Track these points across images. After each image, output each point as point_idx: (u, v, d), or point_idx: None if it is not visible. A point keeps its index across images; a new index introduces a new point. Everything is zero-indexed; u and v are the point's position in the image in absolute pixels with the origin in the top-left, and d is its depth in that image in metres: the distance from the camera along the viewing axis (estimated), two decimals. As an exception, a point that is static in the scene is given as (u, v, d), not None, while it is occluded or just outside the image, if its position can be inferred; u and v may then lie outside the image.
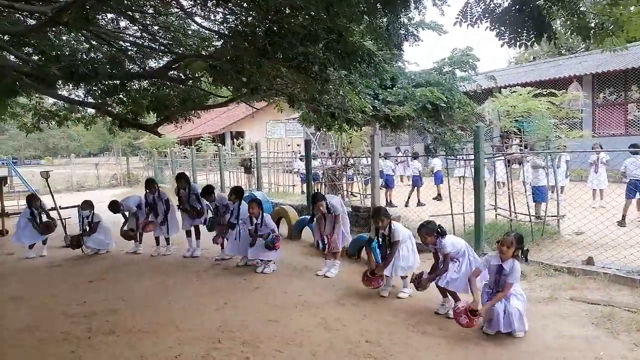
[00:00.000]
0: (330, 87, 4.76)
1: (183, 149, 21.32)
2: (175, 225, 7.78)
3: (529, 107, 6.75)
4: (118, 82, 7.11)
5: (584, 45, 31.08)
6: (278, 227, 8.97)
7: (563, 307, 4.78)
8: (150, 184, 7.81)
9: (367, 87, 6.05)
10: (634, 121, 16.82)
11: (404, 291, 5.34)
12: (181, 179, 7.63)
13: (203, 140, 19.72)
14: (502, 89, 8.38)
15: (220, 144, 18.23)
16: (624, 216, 8.04)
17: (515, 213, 7.31)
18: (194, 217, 7.46)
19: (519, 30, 3.43)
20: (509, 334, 4.11)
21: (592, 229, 6.86)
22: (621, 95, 17.14)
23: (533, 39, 3.42)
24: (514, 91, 7.22)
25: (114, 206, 7.61)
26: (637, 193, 8.12)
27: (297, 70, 4.17)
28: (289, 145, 19.75)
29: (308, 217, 7.72)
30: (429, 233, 4.68)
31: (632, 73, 16.18)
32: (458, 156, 6.79)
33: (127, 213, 7.77)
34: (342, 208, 6.31)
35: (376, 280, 5.28)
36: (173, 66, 6.28)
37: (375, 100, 6.13)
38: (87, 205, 7.92)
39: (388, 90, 6.43)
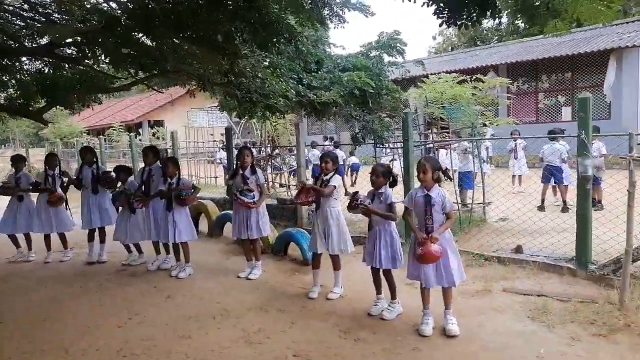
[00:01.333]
0: (247, 68, 4.17)
1: (91, 139, 19.49)
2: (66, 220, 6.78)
3: (455, 94, 6.60)
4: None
5: (496, 37, 32.74)
6: (197, 224, 8.28)
7: (497, 300, 4.60)
8: (51, 157, 6.78)
9: (290, 70, 5.51)
10: (543, 109, 17.78)
11: (334, 291, 4.92)
12: (87, 152, 6.67)
13: (115, 129, 18.11)
14: (426, 77, 8.26)
15: (135, 134, 16.83)
16: (542, 200, 8.24)
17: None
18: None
19: (460, 7, 3.06)
20: (444, 332, 3.84)
21: (516, 215, 6.91)
22: (532, 84, 18.04)
23: (475, 18, 3.07)
24: (440, 77, 7.05)
25: None
26: (552, 178, 8.36)
27: (194, 41, 3.53)
28: (211, 135, 18.73)
29: (230, 212, 7.08)
30: (385, 175, 4.24)
31: (542, 63, 17.04)
32: (385, 144, 6.48)
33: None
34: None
35: (303, 194, 4.82)
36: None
37: (299, 85, 5.60)
38: None
39: (313, 74, 5.93)
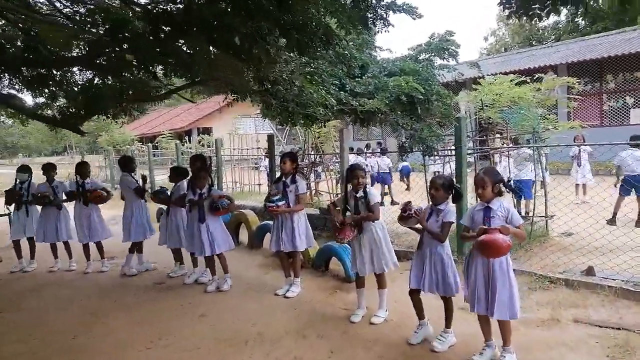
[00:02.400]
0: (283, 76, 3.84)
1: (142, 147, 19.96)
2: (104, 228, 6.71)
3: (515, 95, 5.99)
4: (41, 70, 6.00)
5: (553, 36, 31.04)
6: (237, 235, 8.06)
7: (567, 332, 3.99)
8: (83, 166, 6.69)
9: (331, 76, 5.12)
10: (608, 112, 16.47)
11: (379, 315, 4.46)
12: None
13: (164, 137, 18.43)
14: (478, 80, 7.62)
15: (180, 141, 17.03)
16: (614, 214, 7.39)
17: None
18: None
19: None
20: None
21: (582, 229, 6.16)
22: (596, 85, 16.76)
23: (550, 6, 2.55)
24: (497, 79, 6.45)
25: None
26: (634, 190, 7.44)
27: (219, 47, 3.22)
28: (257, 142, 18.71)
29: (271, 222, 6.78)
30: (446, 188, 3.73)
31: (606, 62, 15.79)
32: (434, 152, 5.96)
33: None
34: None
35: (347, 230, 4.33)
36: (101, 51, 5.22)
37: (341, 92, 5.20)
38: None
39: (357, 79, 5.52)
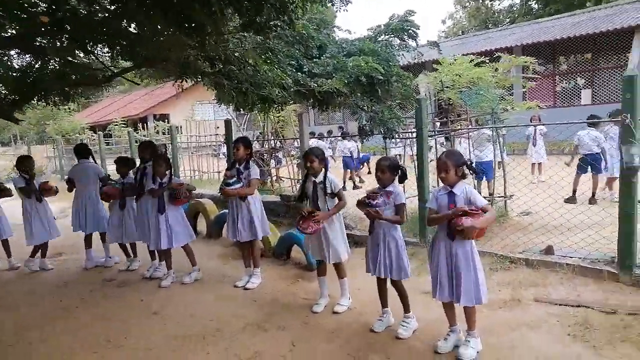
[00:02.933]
0: (235, 54, 3.56)
1: (92, 136, 19.03)
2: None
3: (474, 76, 5.94)
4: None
5: (508, 19, 31.65)
6: (196, 225, 7.75)
7: (529, 313, 3.99)
8: (24, 160, 6.18)
9: (288, 57, 4.88)
10: (561, 93, 16.94)
11: (341, 303, 4.34)
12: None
13: (116, 124, 17.59)
14: (437, 62, 7.55)
15: (134, 129, 16.33)
16: (574, 191, 7.54)
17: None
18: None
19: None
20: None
21: (541, 209, 6.25)
22: (549, 66, 17.18)
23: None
24: (456, 59, 6.39)
25: None
26: (589, 168, 7.62)
27: (165, 20, 2.93)
28: (217, 128, 18.17)
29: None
30: (391, 169, 3.63)
31: (558, 44, 16.16)
32: (395, 134, 5.84)
33: None
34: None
35: (311, 221, 4.09)
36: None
37: (299, 73, 4.97)
38: None
39: (314, 60, 5.29)
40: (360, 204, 3.75)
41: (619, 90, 15.21)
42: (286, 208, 8.03)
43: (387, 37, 6.08)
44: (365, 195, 3.74)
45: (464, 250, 3.21)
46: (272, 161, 10.75)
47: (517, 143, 12.81)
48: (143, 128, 16.21)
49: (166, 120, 26.41)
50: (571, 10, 21.21)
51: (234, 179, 4.91)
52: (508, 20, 31.60)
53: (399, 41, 5.99)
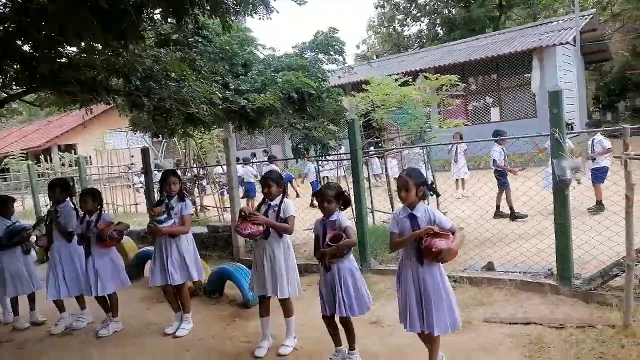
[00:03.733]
0: (156, 66, 3.11)
1: (-16, 171, 17.00)
2: None
3: (402, 94, 5.92)
4: None
5: (417, 43, 33.48)
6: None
7: (481, 335, 3.85)
8: None
9: (212, 73, 4.48)
10: (472, 111, 17.94)
11: (287, 344, 3.93)
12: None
13: (13, 157, 15.80)
14: (359, 83, 7.53)
15: (36, 162, 14.76)
16: (497, 206, 7.74)
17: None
18: None
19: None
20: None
21: (470, 223, 6.31)
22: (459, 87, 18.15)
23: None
24: (383, 79, 6.36)
25: None
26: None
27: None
28: (132, 157, 16.98)
29: (151, 248, 5.87)
30: (337, 197, 3.43)
31: (467, 66, 17.17)
32: (325, 156, 5.61)
33: None
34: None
35: (249, 222, 3.69)
36: None
37: (226, 90, 4.59)
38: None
39: (240, 77, 4.95)
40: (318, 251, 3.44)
41: (523, 107, 16.44)
42: (214, 239, 7.47)
43: (313, 53, 5.91)
44: (325, 243, 3.40)
45: (432, 275, 2.97)
46: (196, 189, 10.10)
47: (440, 160, 13.22)
48: (46, 160, 14.68)
49: (73, 151, 24.40)
50: (474, 35, 22.81)
51: (164, 215, 4.37)
52: (417, 44, 33.43)
53: (326, 57, 5.83)
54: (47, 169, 14.17)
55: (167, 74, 3.32)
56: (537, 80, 15.13)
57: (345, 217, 3.48)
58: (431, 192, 3.06)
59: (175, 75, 3.31)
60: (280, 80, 4.61)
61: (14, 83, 4.92)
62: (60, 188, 4.73)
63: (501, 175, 7.59)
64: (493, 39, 18.76)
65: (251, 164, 12.19)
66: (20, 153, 17.26)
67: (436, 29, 32.31)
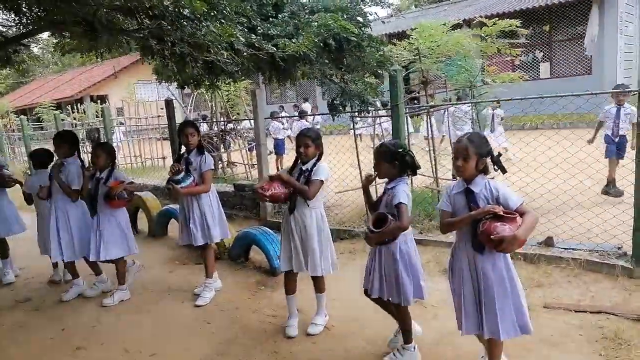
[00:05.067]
0: (164, 2, 2.56)
1: (13, 120, 17.01)
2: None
3: (456, 42, 5.17)
4: None
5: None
6: (136, 223, 6.66)
7: (544, 325, 3.30)
8: None
9: (236, 14, 3.85)
10: (520, 66, 16.64)
11: (317, 322, 3.50)
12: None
13: (44, 107, 15.69)
14: (396, 34, 6.74)
15: (66, 110, 14.61)
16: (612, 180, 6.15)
17: (441, 179, 5.82)
18: None
19: None
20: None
21: (519, 189, 5.59)
22: (507, 39, 16.78)
23: None
24: (432, 25, 5.57)
25: None
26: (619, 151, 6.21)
27: None
28: (161, 109, 16.64)
29: (175, 206, 5.51)
30: (393, 158, 2.78)
31: (517, 16, 15.68)
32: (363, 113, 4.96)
33: None
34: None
35: (275, 183, 3.23)
36: None
37: (252, 35, 3.96)
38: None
39: (270, 20, 4.30)
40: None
41: (576, 63, 15.09)
42: (241, 199, 7.08)
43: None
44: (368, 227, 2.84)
45: (495, 265, 2.42)
46: (222, 145, 9.67)
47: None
48: (74, 110, 14.48)
49: (106, 102, 24.34)
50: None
51: (182, 174, 3.94)
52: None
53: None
54: (74, 118, 14.01)
55: (179, 11, 2.75)
56: (594, 33, 13.70)
57: (403, 188, 2.77)
58: (496, 168, 2.44)
59: (189, 13, 2.74)
60: (316, 23, 3.96)
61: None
62: (66, 142, 4.32)
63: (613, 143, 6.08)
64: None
65: (280, 118, 11.62)
66: (50, 103, 17.19)
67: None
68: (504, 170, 2.44)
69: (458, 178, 2.55)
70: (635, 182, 3.71)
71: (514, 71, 15.94)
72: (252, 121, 10.24)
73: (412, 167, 2.83)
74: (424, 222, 5.34)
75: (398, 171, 2.80)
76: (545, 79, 14.91)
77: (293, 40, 3.63)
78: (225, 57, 3.11)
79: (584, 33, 14.25)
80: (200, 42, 2.91)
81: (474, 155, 2.37)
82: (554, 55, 15.45)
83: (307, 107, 17.23)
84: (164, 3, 2.61)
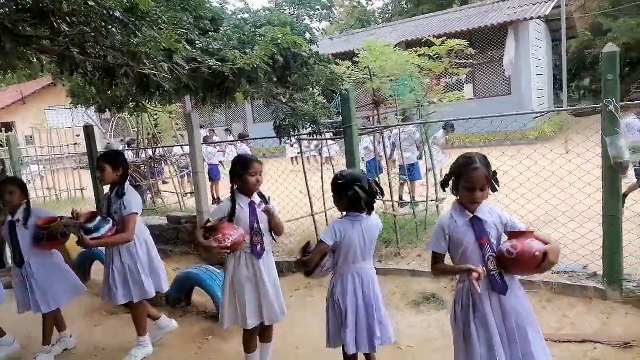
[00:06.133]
0: (89, 2, 2.03)
1: None
2: None
3: (405, 62, 4.99)
4: None
5: (381, 19, 32.58)
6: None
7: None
8: None
9: (174, 25, 3.34)
10: (445, 88, 17.25)
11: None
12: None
13: (-64, 137, 13.75)
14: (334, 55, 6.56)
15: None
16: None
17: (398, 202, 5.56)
18: None
19: None
20: None
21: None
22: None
23: None
24: (382, 46, 5.37)
25: None
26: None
27: None
28: (78, 136, 15.24)
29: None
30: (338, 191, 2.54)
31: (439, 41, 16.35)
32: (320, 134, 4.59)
33: None
34: None
35: (227, 229, 2.65)
36: None
37: (193, 50, 3.46)
38: None
39: (210, 34, 3.83)
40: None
41: (497, 84, 15.91)
42: (176, 232, 6.38)
43: (295, 10, 4.85)
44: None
45: (520, 301, 2.11)
46: (149, 174, 8.84)
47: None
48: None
49: (12, 130, 22.06)
50: (442, 9, 22.06)
51: (98, 219, 3.24)
52: (380, 20, 32.42)
53: (312, 12, 4.79)
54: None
55: (109, 13, 2.21)
56: (511, 56, 14.55)
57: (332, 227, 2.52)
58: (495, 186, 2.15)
59: (121, 14, 2.21)
60: (263, 38, 3.54)
61: None
62: None
63: None
64: (465, 12, 18.06)
65: (212, 142, 10.98)
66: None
67: (402, 3, 31.37)
68: (495, 189, 2.16)
69: (441, 205, 2.26)
70: (603, 198, 3.62)
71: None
72: (183, 147, 9.57)
73: (354, 204, 2.47)
74: (382, 249, 5.02)
75: (344, 207, 2.49)
76: (469, 99, 15.53)
77: (246, 54, 3.16)
78: (165, 69, 2.58)
79: (502, 56, 15.08)
80: (135, 50, 2.37)
81: (487, 181, 2.06)
82: (475, 77, 16.18)
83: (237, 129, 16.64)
84: (89, 3, 2.06)
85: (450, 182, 2.20)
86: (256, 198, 2.85)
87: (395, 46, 5.98)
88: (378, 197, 2.49)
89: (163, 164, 9.49)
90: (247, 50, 3.49)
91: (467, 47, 5.53)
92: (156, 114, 8.23)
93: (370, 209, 2.50)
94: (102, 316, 4.50)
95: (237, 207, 2.75)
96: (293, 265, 5.00)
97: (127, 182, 3.43)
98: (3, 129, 18.10)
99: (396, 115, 5.44)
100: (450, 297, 3.98)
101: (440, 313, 3.81)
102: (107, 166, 3.32)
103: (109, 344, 3.85)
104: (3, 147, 11.50)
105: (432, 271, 2.25)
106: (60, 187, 11.36)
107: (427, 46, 5.50)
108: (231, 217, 2.72)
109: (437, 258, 2.20)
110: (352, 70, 5.22)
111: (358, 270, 2.52)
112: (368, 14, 33.73)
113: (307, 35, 4.35)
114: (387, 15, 32.61)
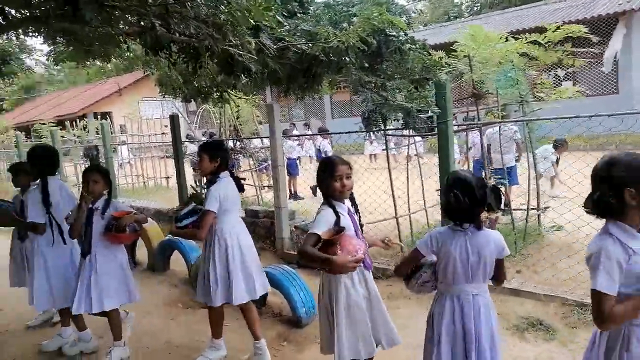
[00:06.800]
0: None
1: (9, 136, 16.36)
2: None
3: (511, 50, 4.39)
4: None
5: (467, 13, 31.02)
6: (134, 253, 5.81)
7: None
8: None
9: (265, 9, 3.07)
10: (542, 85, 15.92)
11: None
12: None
13: (43, 123, 15.01)
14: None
15: (68, 127, 13.93)
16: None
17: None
18: None
19: None
20: None
21: (567, 222, 4.70)
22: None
23: None
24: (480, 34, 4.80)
25: None
26: None
27: None
28: (165, 127, 15.93)
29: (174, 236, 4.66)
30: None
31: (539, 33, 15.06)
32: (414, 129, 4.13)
33: None
34: None
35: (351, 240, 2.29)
36: None
37: (280, 30, 3.18)
38: None
39: (298, 15, 3.53)
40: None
41: (601, 82, 14.36)
42: (253, 227, 6.21)
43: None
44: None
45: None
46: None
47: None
48: (72, 127, 13.80)
49: (107, 118, 23.72)
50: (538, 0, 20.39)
51: (189, 207, 3.09)
52: (466, 14, 30.84)
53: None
54: (74, 135, 13.29)
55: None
56: (616, 50, 12.93)
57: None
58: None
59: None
60: (357, 17, 3.17)
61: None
62: (44, 160, 3.54)
63: None
64: (564, 2, 16.50)
65: (291, 137, 10.82)
66: (52, 120, 16.56)
67: (491, -6, 29.58)
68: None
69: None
70: None
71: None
72: (262, 139, 9.50)
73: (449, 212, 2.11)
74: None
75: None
76: (569, 98, 14.14)
77: (341, 33, 2.81)
78: (253, 45, 2.31)
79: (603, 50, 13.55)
80: (220, 22, 2.11)
81: None
82: (576, 74, 14.72)
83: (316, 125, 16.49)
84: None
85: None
86: (347, 203, 2.50)
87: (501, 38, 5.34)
88: (496, 209, 2.04)
89: (241, 156, 9.49)
90: (340, 31, 3.14)
91: (587, 33, 4.68)
92: (238, 106, 8.18)
93: (471, 221, 2.06)
94: (178, 309, 4.41)
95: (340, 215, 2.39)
96: (373, 272, 4.62)
97: (224, 174, 3.21)
98: (99, 117, 19.45)
99: (492, 111, 4.84)
100: (562, 325, 3.41)
101: (551, 345, 3.24)
102: (205, 156, 3.16)
103: (182, 340, 3.71)
104: (98, 134, 12.21)
105: (611, 320, 1.65)
106: (148, 175, 11.83)
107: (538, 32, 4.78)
108: (339, 227, 2.34)
109: (610, 300, 1.62)
110: (448, 59, 4.69)
111: (458, 293, 2.10)
112: (455, 7, 32.26)
113: (403, 18, 3.91)
114: (475, 8, 30.95)
